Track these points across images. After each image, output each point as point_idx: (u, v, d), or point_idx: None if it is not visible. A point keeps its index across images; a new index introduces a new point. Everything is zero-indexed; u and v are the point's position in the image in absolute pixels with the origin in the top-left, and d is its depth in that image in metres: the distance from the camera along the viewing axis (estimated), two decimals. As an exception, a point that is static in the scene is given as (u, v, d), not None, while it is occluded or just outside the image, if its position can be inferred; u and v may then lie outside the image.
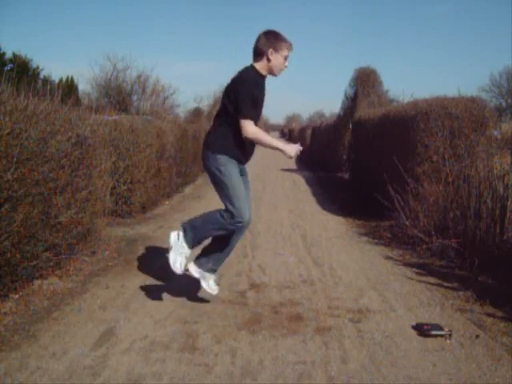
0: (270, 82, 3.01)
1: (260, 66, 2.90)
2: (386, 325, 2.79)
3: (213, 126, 3.03)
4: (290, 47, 2.91)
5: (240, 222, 2.84)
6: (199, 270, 3.01)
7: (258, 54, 2.88)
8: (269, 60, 2.87)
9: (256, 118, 2.88)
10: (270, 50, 2.85)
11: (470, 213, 4.12)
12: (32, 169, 3.08)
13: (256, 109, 2.87)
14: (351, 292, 3.37)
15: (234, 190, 2.84)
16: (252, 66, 2.91)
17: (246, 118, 2.78)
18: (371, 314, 2.96)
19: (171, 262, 2.94)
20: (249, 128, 2.79)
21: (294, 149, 2.88)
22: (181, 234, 2.95)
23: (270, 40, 2.87)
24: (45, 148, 3.28)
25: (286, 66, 2.95)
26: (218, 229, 2.89)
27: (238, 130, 2.82)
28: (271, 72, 2.93)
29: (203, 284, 3.02)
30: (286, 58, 2.91)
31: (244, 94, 2.78)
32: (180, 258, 2.94)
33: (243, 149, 2.92)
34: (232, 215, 2.82)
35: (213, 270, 3.07)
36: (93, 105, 7.99)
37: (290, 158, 2.93)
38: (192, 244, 2.95)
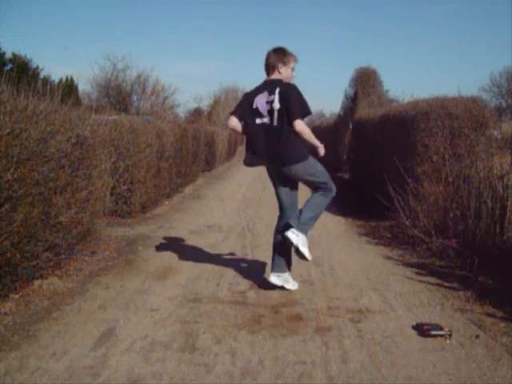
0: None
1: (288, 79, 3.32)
2: (385, 325, 2.79)
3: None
4: (295, 59, 3.34)
5: (332, 188, 3.30)
6: (299, 235, 3.21)
7: (271, 68, 3.29)
8: (280, 73, 3.28)
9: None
10: (280, 64, 3.26)
11: (470, 213, 4.12)
12: (32, 169, 3.08)
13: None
14: (351, 292, 3.37)
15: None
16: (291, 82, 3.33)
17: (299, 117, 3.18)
18: (371, 314, 2.96)
19: (307, 255, 3.22)
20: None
21: None
22: (298, 233, 3.19)
23: (279, 55, 3.28)
24: (45, 148, 3.28)
25: (293, 76, 3.36)
26: (325, 206, 3.33)
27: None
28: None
29: (304, 250, 3.20)
30: (292, 69, 3.34)
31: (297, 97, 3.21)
32: (305, 248, 3.22)
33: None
34: (326, 187, 3.28)
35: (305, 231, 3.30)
36: (93, 105, 7.99)
37: None
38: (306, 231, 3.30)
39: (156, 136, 6.58)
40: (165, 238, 4.92)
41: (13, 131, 2.94)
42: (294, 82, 3.33)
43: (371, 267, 4.02)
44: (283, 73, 3.26)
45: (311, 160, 3.25)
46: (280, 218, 3.42)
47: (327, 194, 3.31)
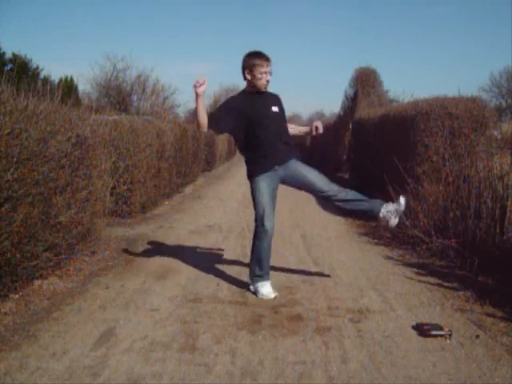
0: (272, 83, 3.25)
1: (247, 86, 3.26)
2: (385, 325, 2.79)
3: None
4: (263, 63, 3.14)
5: (261, 231, 3.24)
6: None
7: (242, 76, 3.23)
8: (246, 79, 3.22)
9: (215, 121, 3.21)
10: (246, 71, 3.18)
11: (470, 213, 4.12)
12: (32, 169, 3.08)
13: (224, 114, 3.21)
14: (351, 292, 3.37)
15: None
16: (243, 89, 3.31)
17: None
18: (371, 314, 2.96)
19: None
20: None
21: None
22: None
23: (244, 62, 3.19)
24: (45, 148, 3.28)
25: (267, 80, 3.21)
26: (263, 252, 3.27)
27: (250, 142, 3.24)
28: (256, 88, 3.22)
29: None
30: (263, 74, 3.16)
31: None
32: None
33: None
34: (256, 224, 3.28)
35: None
36: (93, 105, 7.99)
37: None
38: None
39: (156, 136, 6.59)
40: (165, 238, 4.92)
41: (13, 131, 2.94)
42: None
43: (371, 267, 4.02)
44: (250, 79, 3.19)
45: (254, 184, 3.25)
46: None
47: (257, 236, 3.23)
